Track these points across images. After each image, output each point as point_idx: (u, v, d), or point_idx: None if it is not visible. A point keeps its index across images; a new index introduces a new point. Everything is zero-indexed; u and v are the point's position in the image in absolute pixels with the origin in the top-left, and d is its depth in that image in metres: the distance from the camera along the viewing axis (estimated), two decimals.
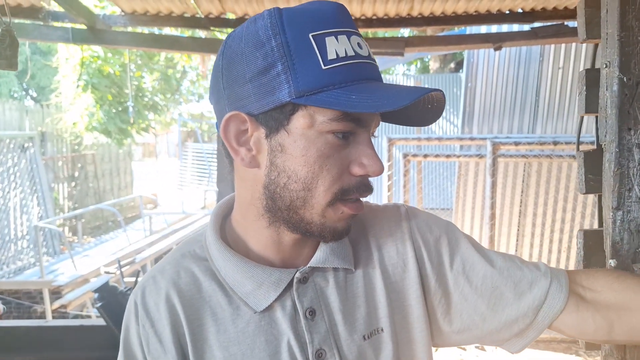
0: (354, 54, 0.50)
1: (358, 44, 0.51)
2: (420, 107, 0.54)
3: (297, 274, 0.56)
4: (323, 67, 0.48)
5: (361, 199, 0.55)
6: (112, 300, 1.69)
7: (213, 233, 0.58)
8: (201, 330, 0.55)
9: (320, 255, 0.58)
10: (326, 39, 0.49)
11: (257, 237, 0.57)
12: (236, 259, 0.56)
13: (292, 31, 0.49)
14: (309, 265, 0.57)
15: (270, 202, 0.53)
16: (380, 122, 0.58)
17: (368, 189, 0.54)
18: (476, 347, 3.34)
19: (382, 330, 0.58)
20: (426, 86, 0.55)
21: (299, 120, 0.50)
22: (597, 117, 0.76)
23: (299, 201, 0.52)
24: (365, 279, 0.60)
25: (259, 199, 0.55)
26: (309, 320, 0.56)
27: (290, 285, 0.56)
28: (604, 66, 0.70)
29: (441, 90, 0.52)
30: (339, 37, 0.49)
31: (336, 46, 0.49)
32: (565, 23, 2.32)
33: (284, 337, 0.55)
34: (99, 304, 1.67)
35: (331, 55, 0.49)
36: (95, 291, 1.70)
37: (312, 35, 0.49)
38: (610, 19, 0.69)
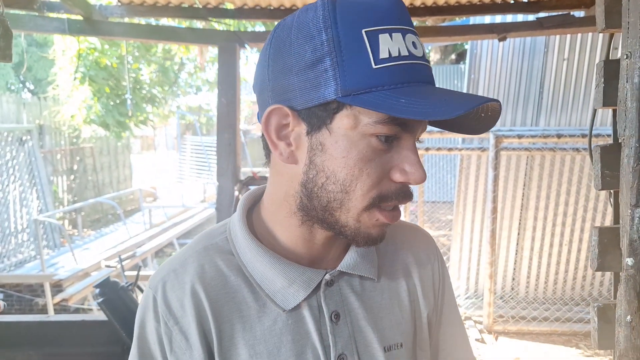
0: (407, 54, 0.47)
1: (413, 43, 0.48)
2: (472, 116, 0.51)
3: (327, 276, 0.56)
4: (374, 66, 0.46)
5: (399, 207, 0.53)
6: (113, 295, 1.68)
7: (242, 226, 0.57)
8: (228, 327, 0.54)
9: (350, 260, 0.57)
10: (380, 36, 0.46)
11: (288, 234, 0.56)
12: (268, 255, 0.55)
13: (344, 25, 0.46)
14: (338, 269, 0.57)
15: (306, 201, 0.52)
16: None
17: (407, 196, 0.51)
18: (476, 339, 3.35)
19: (401, 345, 0.58)
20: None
21: (343, 120, 0.48)
22: (615, 110, 0.73)
23: (335, 203, 0.50)
24: (390, 291, 0.60)
25: (293, 196, 0.53)
26: (334, 323, 0.55)
27: (318, 286, 0.55)
28: (625, 57, 0.67)
29: (498, 101, 0.49)
30: (393, 34, 0.47)
31: (389, 45, 0.46)
32: (572, 13, 2.28)
33: (310, 337, 0.55)
34: (100, 300, 1.66)
35: (383, 54, 0.46)
36: (97, 286, 1.69)
37: (365, 31, 0.46)
38: (633, 7, 0.65)
